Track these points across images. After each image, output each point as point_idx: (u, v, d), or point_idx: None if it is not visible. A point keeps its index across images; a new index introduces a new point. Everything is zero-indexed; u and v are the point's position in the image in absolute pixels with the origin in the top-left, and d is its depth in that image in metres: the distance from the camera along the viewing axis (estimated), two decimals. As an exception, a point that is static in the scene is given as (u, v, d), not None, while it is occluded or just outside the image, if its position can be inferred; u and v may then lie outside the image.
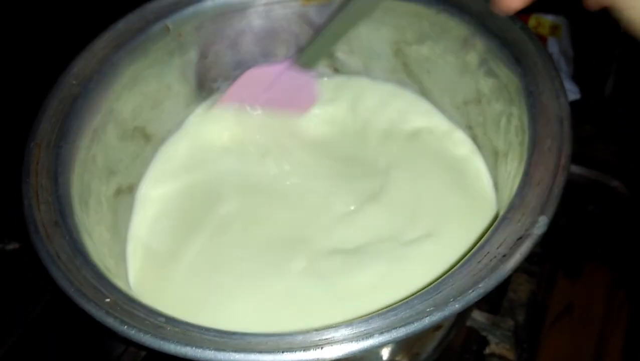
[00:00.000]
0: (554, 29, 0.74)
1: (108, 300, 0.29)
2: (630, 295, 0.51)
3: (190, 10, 0.43)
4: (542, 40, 0.72)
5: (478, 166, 0.44)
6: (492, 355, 0.46)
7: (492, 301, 0.49)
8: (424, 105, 0.48)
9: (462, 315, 0.41)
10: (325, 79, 0.50)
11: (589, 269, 0.53)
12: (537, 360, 0.47)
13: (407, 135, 0.47)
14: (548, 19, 0.74)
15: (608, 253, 0.53)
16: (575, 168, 0.58)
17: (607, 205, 0.56)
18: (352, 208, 0.43)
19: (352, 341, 0.27)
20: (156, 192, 0.45)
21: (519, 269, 0.50)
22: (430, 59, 0.44)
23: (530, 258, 0.51)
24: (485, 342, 0.46)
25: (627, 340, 0.48)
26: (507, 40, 0.38)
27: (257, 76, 0.46)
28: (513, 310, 0.48)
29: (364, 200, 0.43)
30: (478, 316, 0.46)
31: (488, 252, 0.29)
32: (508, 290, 0.49)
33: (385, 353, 0.35)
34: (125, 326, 0.28)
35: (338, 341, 0.27)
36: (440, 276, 0.29)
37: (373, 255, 0.39)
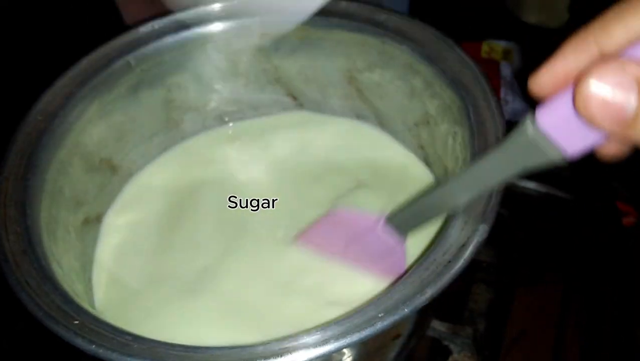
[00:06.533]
0: (506, 53, 0.78)
1: (76, 321, 0.30)
2: (585, 301, 0.53)
3: (151, 46, 0.44)
4: (495, 64, 0.76)
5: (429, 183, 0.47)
6: (455, 363, 0.47)
7: (453, 311, 0.51)
8: (381, 137, 0.51)
9: (420, 324, 0.42)
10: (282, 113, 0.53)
11: (547, 278, 0.55)
12: (500, 366, 0.49)
13: (364, 165, 0.49)
14: (500, 45, 0.78)
15: (564, 262, 0.56)
16: (530, 184, 0.61)
17: (562, 217, 0.59)
18: None
19: (309, 348, 0.28)
20: (121, 220, 0.46)
21: (479, 280, 0.53)
22: (381, 84, 0.47)
23: (488, 269, 0.54)
24: (449, 352, 0.48)
25: (586, 344, 0.50)
26: (447, 65, 0.40)
27: (340, 222, 0.42)
28: (473, 319, 0.50)
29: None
30: (439, 326, 0.48)
31: (434, 259, 0.31)
32: (468, 300, 0.51)
33: (347, 363, 0.36)
34: (94, 346, 0.29)
35: (296, 350, 0.29)
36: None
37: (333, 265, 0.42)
